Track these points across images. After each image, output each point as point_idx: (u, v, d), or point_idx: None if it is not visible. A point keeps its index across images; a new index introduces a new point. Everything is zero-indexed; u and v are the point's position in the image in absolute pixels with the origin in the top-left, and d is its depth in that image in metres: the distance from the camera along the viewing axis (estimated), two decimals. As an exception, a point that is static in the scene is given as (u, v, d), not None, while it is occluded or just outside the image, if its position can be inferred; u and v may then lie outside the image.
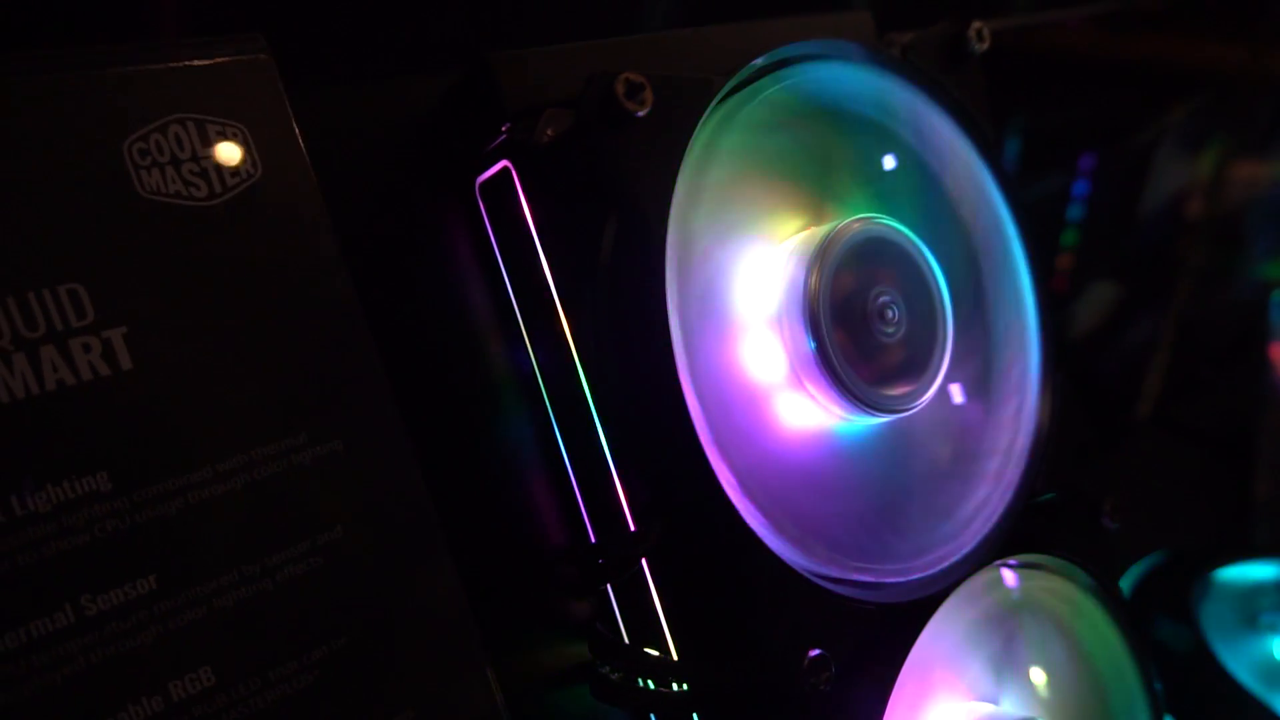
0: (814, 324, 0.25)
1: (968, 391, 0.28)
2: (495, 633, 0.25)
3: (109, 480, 0.20)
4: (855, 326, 0.25)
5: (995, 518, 0.27)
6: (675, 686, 0.24)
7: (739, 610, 0.22)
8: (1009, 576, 0.28)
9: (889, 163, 0.29)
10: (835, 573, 0.24)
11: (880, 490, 0.26)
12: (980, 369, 0.28)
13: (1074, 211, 0.58)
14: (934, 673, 0.27)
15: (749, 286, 0.26)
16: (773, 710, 0.22)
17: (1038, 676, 0.29)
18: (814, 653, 0.21)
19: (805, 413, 0.26)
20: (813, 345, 0.25)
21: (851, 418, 0.26)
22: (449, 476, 0.26)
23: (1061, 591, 0.29)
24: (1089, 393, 0.63)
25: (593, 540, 0.26)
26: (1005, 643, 0.28)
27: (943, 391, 0.28)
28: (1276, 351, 0.71)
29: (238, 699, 0.21)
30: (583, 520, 0.26)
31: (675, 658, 0.24)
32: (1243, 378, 0.71)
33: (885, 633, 0.24)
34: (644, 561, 0.24)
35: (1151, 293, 0.64)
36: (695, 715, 0.24)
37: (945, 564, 0.26)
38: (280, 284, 0.23)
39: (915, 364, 0.26)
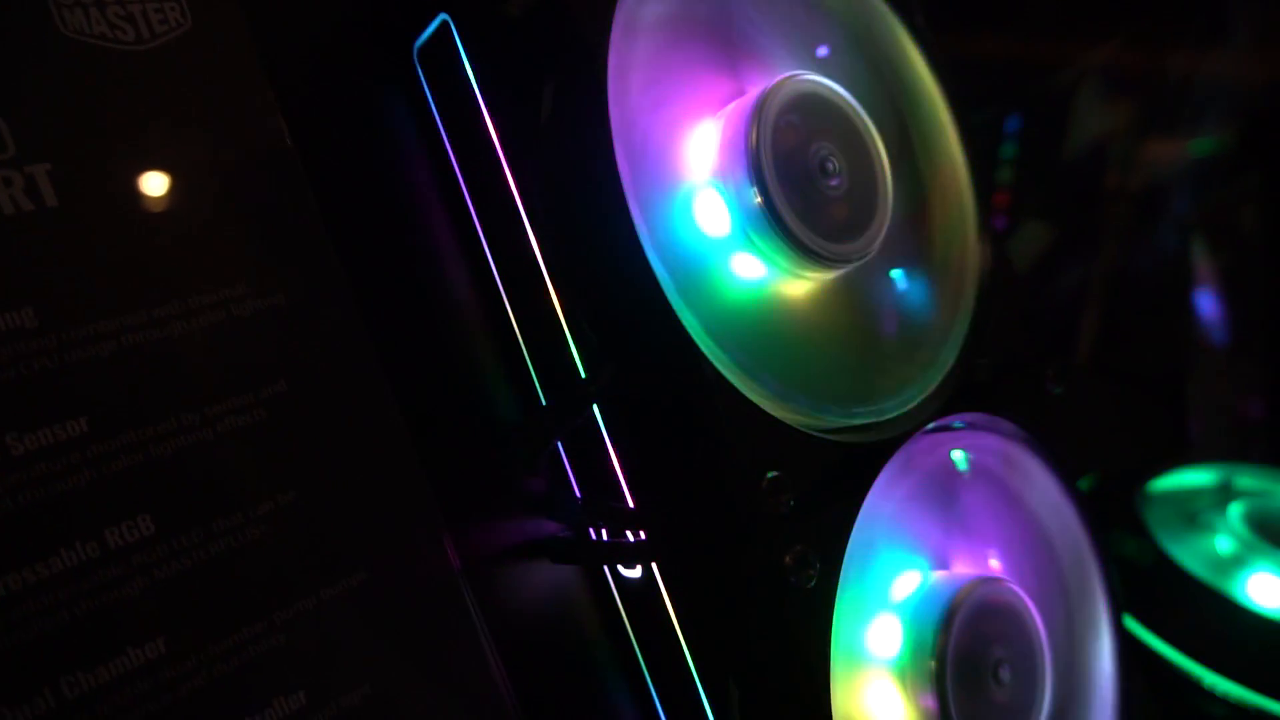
0: (760, 178, 0.25)
1: (907, 260, 0.28)
2: (453, 508, 0.25)
3: (35, 317, 0.19)
4: (799, 181, 0.25)
5: (940, 378, 0.28)
6: (632, 535, 0.23)
7: (693, 442, 0.22)
8: (955, 437, 0.28)
9: (822, 51, 0.29)
10: (789, 409, 0.24)
11: (830, 345, 0.26)
12: (917, 238, 0.29)
13: (1007, 149, 0.59)
14: (883, 535, 0.27)
15: (693, 148, 0.26)
16: (731, 549, 0.22)
17: (988, 539, 0.29)
18: (772, 474, 0.21)
19: (754, 270, 0.26)
20: (758, 199, 0.25)
21: (802, 274, 0.26)
22: (397, 351, 0.25)
23: (1010, 455, 0.29)
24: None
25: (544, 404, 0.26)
26: (953, 506, 0.29)
27: (888, 260, 0.28)
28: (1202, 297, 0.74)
29: (179, 549, 0.20)
30: (535, 389, 0.26)
31: (631, 506, 0.23)
32: (1173, 323, 0.73)
33: (842, 473, 0.24)
34: (596, 411, 0.23)
35: (1082, 235, 0.66)
36: (654, 565, 0.24)
37: (891, 415, 0.26)
38: (213, 135, 0.22)
39: (859, 216, 0.26)
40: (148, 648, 0.20)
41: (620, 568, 0.26)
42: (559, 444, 0.26)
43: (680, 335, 0.22)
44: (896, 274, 0.28)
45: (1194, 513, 0.45)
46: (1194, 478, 0.49)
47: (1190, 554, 0.42)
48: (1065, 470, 0.30)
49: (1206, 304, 0.76)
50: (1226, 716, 0.41)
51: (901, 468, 0.27)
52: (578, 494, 0.25)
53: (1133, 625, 0.41)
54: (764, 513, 0.21)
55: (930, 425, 0.27)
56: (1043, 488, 0.30)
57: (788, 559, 0.22)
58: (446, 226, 0.26)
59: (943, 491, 0.28)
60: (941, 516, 0.29)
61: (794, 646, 0.22)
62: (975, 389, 0.28)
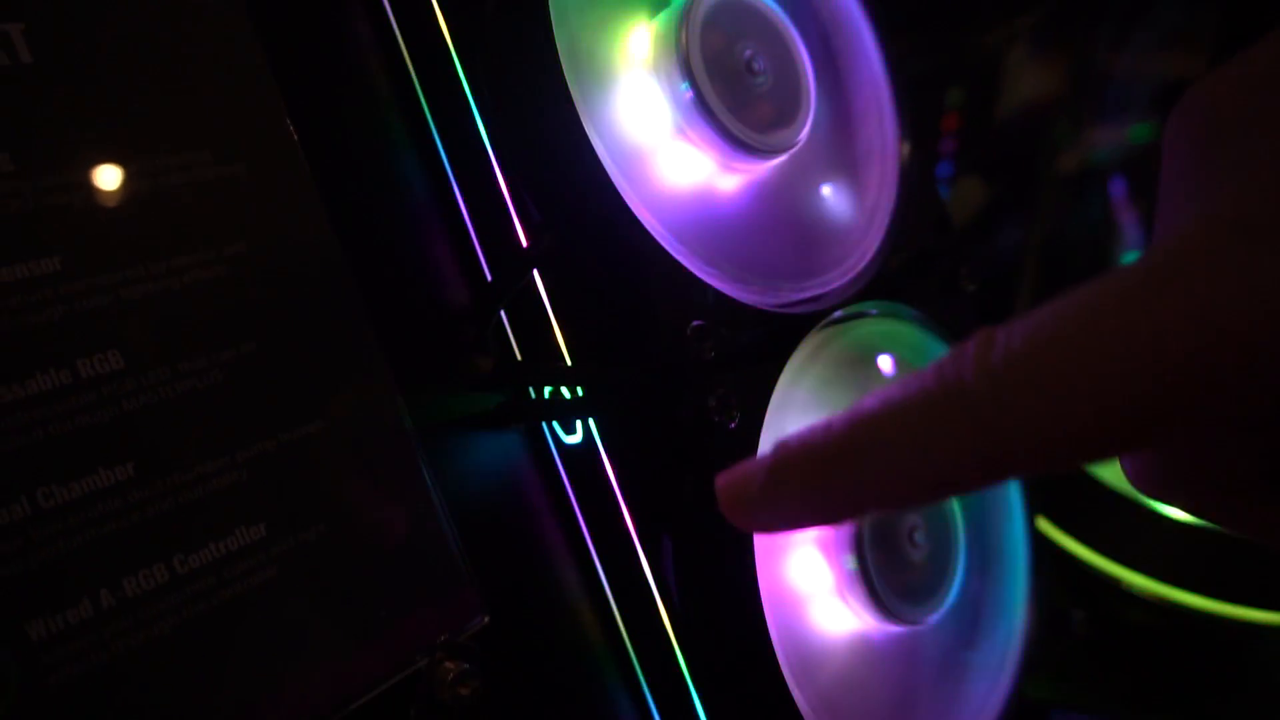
0: (689, 73, 0.27)
1: (831, 162, 0.31)
2: (403, 378, 0.27)
3: (11, 162, 0.21)
4: (728, 78, 0.28)
5: (860, 266, 0.30)
6: (569, 392, 0.25)
7: (624, 295, 0.24)
8: (872, 322, 0.30)
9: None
10: (714, 275, 0.26)
11: (756, 230, 0.28)
12: (841, 142, 0.31)
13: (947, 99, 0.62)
14: (801, 415, 0.29)
15: (630, 47, 0.28)
16: (658, 391, 0.24)
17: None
18: (696, 322, 0.23)
19: (691, 164, 0.28)
20: (689, 93, 0.27)
21: (732, 164, 0.28)
22: (350, 229, 0.27)
23: (920, 344, 0.32)
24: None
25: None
26: (868, 389, 0.31)
27: (813, 160, 0.31)
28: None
29: (146, 385, 0.22)
30: (481, 269, 0.28)
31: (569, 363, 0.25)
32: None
33: (763, 340, 0.26)
34: (538, 279, 0.25)
35: (1017, 196, 0.69)
36: (591, 419, 0.26)
37: (809, 294, 0.28)
38: (182, 13, 0.24)
39: (785, 112, 0.28)
40: (117, 470, 0.21)
41: (561, 434, 0.28)
42: (504, 319, 0.28)
43: (616, 200, 0.24)
44: (820, 173, 0.30)
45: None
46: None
47: (1109, 471, 0.45)
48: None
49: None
50: (1142, 619, 0.44)
51: (820, 346, 0.29)
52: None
53: (1060, 537, 0.44)
54: (689, 356, 0.23)
55: (847, 309, 0.29)
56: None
57: (712, 400, 0.24)
58: (400, 115, 0.28)
59: (858, 377, 0.31)
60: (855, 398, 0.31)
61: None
62: (891, 281, 0.31)
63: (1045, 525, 0.44)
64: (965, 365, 0.14)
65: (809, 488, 0.16)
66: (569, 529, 0.29)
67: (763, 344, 0.26)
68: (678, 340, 0.23)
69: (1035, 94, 0.67)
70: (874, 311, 0.30)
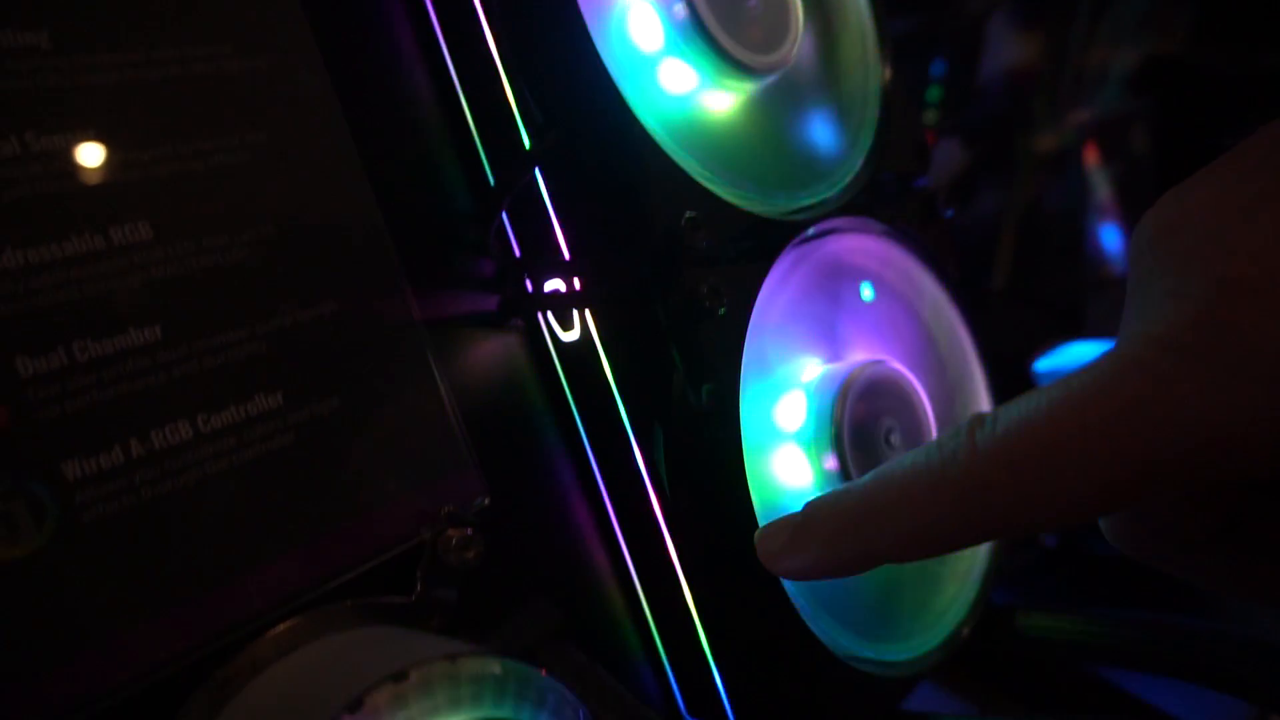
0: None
1: (818, 84, 0.33)
2: (411, 275, 0.28)
3: (49, 40, 0.22)
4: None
5: (843, 182, 0.32)
6: (566, 286, 0.27)
7: (621, 189, 0.25)
8: (853, 239, 0.32)
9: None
10: (708, 178, 0.27)
11: (748, 144, 0.30)
12: (827, 66, 0.33)
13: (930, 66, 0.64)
14: (787, 321, 0.31)
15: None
16: (652, 278, 0.26)
17: (881, 333, 0.33)
18: (690, 213, 0.25)
19: (687, 80, 0.29)
20: (684, 12, 0.29)
21: (725, 82, 0.30)
22: (365, 130, 0.28)
23: (897, 261, 0.33)
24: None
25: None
26: (848, 303, 0.33)
27: (802, 82, 0.32)
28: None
29: (173, 256, 0.23)
30: (486, 174, 0.29)
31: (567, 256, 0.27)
32: (1080, 254, 0.79)
33: (752, 243, 0.28)
34: (540, 177, 0.27)
35: (995, 161, 0.71)
36: (588, 311, 0.27)
37: (795, 205, 0.30)
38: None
39: (775, 33, 0.30)
40: (146, 331, 0.23)
41: (559, 331, 0.29)
42: (506, 222, 0.29)
43: (618, 101, 0.25)
44: (807, 93, 0.32)
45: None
46: (1084, 349, 0.54)
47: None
48: (948, 277, 0.34)
49: (1110, 239, 0.82)
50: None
51: (801, 258, 0.31)
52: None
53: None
54: (682, 244, 0.25)
55: (825, 225, 0.31)
56: (928, 292, 0.34)
57: (703, 288, 0.25)
58: (408, 23, 0.29)
59: (839, 290, 0.32)
60: (838, 312, 0.33)
61: (709, 367, 0.26)
62: (873, 201, 0.33)
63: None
64: (960, 444, 0.18)
65: (831, 538, 0.20)
66: (565, 423, 0.30)
67: (751, 245, 0.28)
68: (672, 230, 0.25)
69: (1015, 63, 0.69)
70: (850, 227, 0.32)
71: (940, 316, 0.34)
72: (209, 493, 0.23)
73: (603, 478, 0.31)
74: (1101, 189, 0.76)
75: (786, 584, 0.29)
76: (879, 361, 0.32)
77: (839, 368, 0.32)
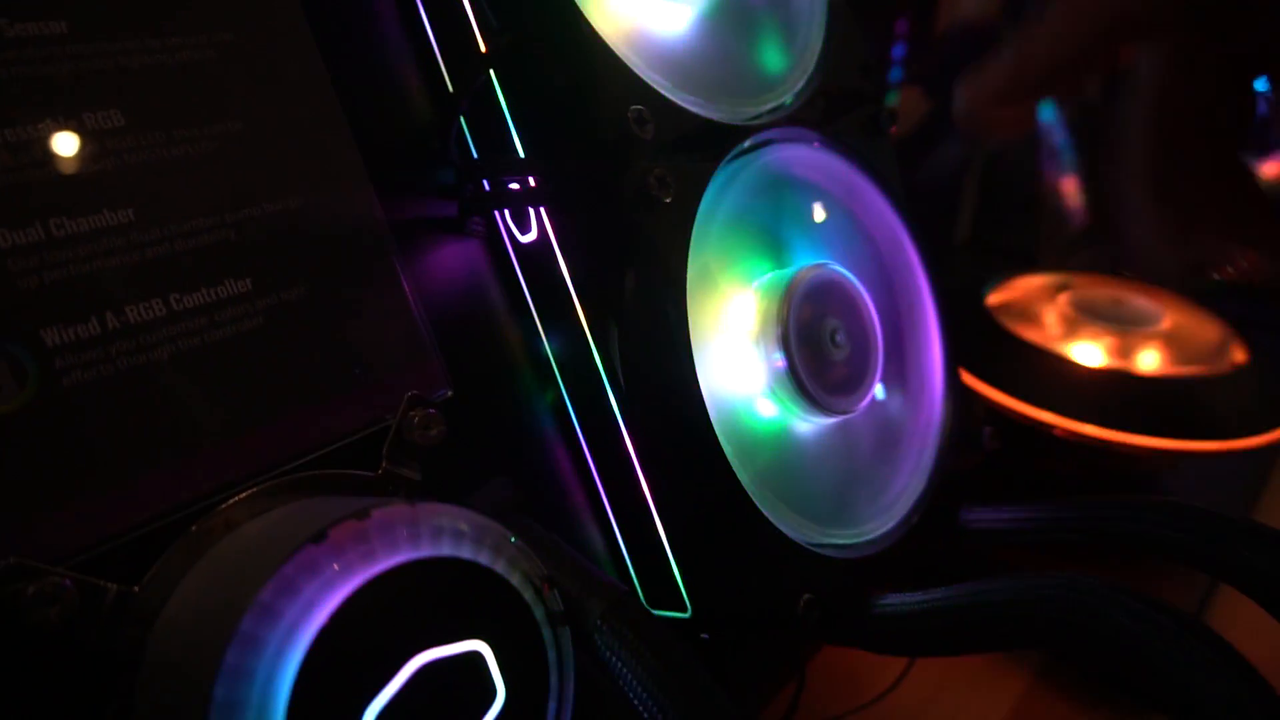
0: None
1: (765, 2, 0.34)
2: (374, 185, 0.29)
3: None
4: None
5: (793, 93, 0.33)
6: (521, 185, 0.28)
7: (571, 85, 0.27)
8: (797, 149, 0.34)
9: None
10: (653, 82, 0.29)
11: (698, 52, 0.32)
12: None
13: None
14: (734, 225, 0.33)
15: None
16: (602, 168, 0.27)
17: (827, 240, 0.35)
18: (636, 107, 0.27)
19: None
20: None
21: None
22: (327, 38, 0.29)
23: (845, 179, 0.35)
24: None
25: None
26: (794, 211, 0.34)
27: None
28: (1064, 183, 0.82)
29: (144, 144, 0.25)
30: (445, 84, 0.31)
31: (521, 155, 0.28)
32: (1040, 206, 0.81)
33: (699, 142, 0.29)
34: (495, 79, 0.28)
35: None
36: (543, 209, 0.29)
37: (749, 113, 0.32)
38: None
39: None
40: (119, 213, 0.24)
41: (517, 234, 0.31)
42: (465, 129, 0.30)
43: (568, 3, 0.27)
44: (758, 11, 0.34)
45: (1032, 303, 0.52)
46: (1037, 278, 0.56)
47: (1031, 328, 0.50)
48: (891, 190, 0.36)
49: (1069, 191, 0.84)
50: (1071, 472, 0.48)
51: (747, 164, 0.32)
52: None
53: (989, 390, 0.48)
54: (630, 134, 0.27)
55: (771, 134, 0.32)
56: (874, 206, 0.36)
57: (650, 178, 0.27)
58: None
59: (785, 200, 0.34)
60: (786, 222, 0.34)
61: (657, 258, 0.28)
62: (820, 116, 0.34)
63: (969, 378, 0.47)
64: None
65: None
66: (526, 325, 0.32)
67: (700, 146, 0.29)
68: (618, 121, 0.26)
69: (975, 13, 0.71)
70: (793, 137, 0.34)
71: (884, 228, 0.36)
72: (183, 367, 0.24)
73: (561, 376, 0.32)
74: (1058, 135, 0.78)
75: (742, 477, 0.31)
76: (823, 264, 0.33)
77: (786, 271, 0.33)
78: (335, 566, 0.20)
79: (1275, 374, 0.48)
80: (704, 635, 0.31)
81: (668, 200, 0.27)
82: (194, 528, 0.23)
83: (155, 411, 0.24)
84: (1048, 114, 0.80)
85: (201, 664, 0.19)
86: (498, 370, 0.32)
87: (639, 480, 0.31)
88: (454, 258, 0.31)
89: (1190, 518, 0.27)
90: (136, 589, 0.22)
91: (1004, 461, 0.38)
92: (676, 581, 0.32)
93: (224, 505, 0.24)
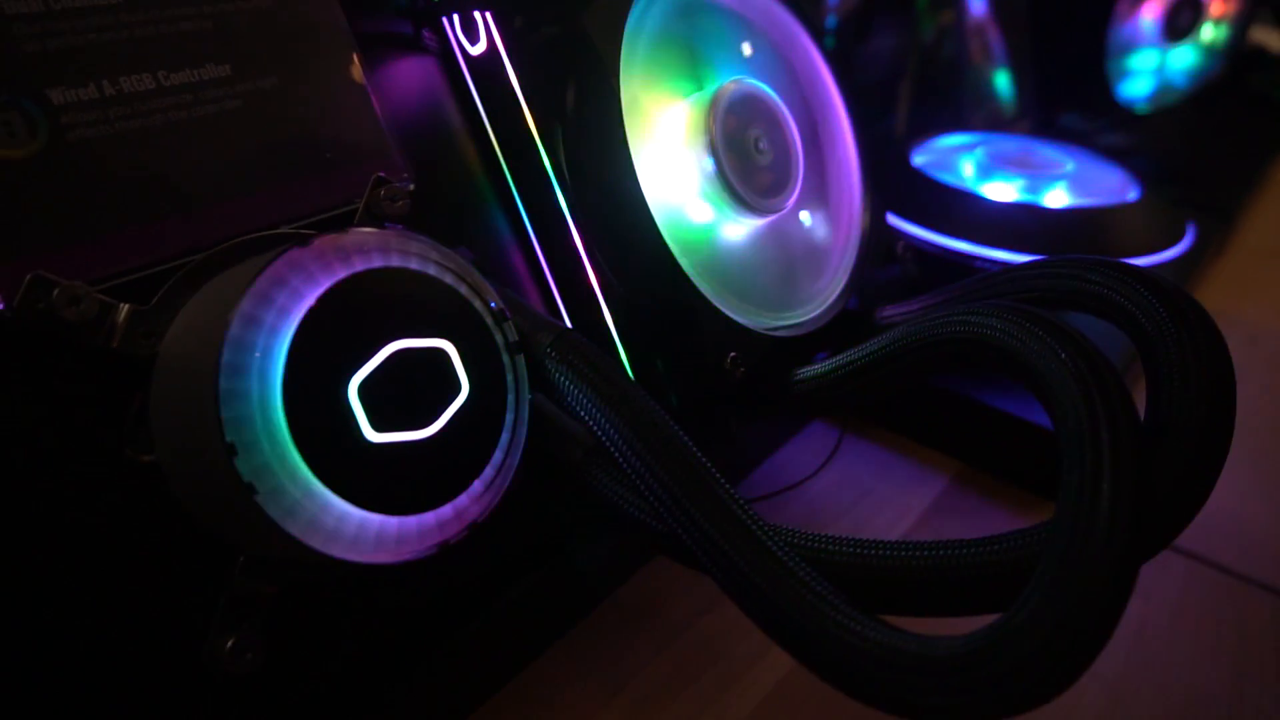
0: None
1: None
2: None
3: None
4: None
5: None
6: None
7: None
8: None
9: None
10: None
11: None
12: None
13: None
14: (665, 47, 0.36)
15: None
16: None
17: (748, 64, 0.39)
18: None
19: None
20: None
21: None
22: None
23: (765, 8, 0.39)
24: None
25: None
26: (715, 42, 0.38)
27: None
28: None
29: None
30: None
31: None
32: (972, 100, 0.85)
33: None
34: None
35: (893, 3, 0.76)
36: (489, 16, 0.32)
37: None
38: None
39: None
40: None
41: (467, 45, 0.34)
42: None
43: None
44: None
45: (954, 154, 0.56)
46: (956, 139, 0.60)
47: (950, 175, 0.54)
48: (807, 20, 0.40)
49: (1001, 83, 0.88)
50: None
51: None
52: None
53: (915, 229, 0.52)
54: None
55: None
56: (788, 30, 0.40)
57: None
58: None
59: (699, 20, 0.38)
60: (706, 41, 0.38)
61: (594, 58, 0.31)
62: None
63: (896, 221, 0.52)
64: None
65: None
66: (479, 135, 0.35)
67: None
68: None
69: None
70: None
71: (801, 56, 0.40)
72: (173, 134, 0.27)
73: (514, 180, 0.36)
74: (991, 32, 0.82)
75: (687, 269, 0.35)
76: (741, 79, 0.37)
77: (710, 86, 0.37)
78: (317, 265, 0.23)
79: (1162, 210, 0.53)
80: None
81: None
82: (192, 264, 0.27)
83: (150, 170, 0.27)
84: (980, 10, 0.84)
85: (210, 338, 0.22)
86: (455, 177, 0.36)
87: (585, 270, 0.35)
88: (412, 74, 0.34)
89: (1103, 268, 0.30)
90: (145, 308, 0.25)
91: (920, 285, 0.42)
92: (621, 360, 0.36)
93: (216, 252, 0.27)
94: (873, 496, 0.46)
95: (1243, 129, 0.96)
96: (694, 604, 0.39)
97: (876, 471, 0.47)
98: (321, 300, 0.23)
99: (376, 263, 0.24)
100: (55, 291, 0.23)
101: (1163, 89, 0.86)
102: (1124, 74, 0.82)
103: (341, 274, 0.24)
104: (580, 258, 0.35)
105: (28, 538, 0.24)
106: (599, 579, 0.39)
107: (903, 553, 0.25)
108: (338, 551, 0.23)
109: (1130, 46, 0.81)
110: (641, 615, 0.39)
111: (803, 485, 0.46)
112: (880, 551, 0.25)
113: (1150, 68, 0.83)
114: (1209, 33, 0.87)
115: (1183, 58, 0.86)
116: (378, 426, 0.23)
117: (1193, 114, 0.91)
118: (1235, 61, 0.97)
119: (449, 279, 0.26)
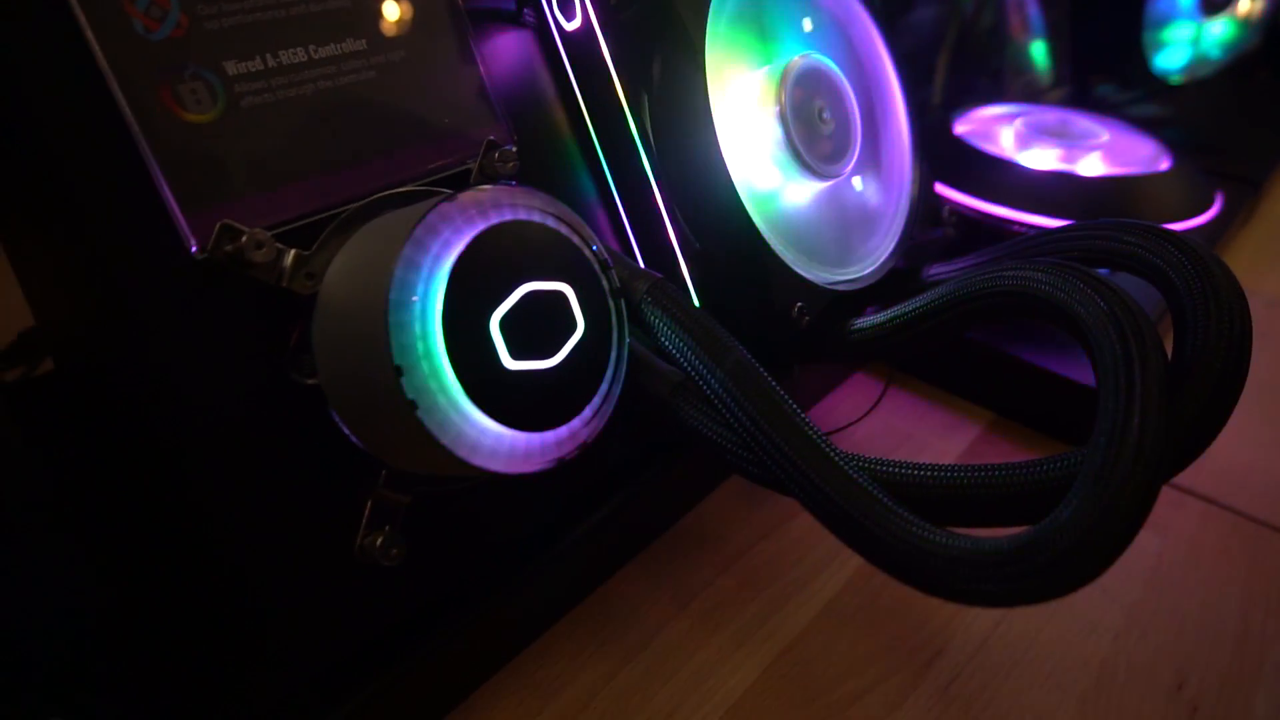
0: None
1: None
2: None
3: None
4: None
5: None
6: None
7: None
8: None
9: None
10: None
11: None
12: None
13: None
14: (742, 28, 0.40)
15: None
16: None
17: (814, 40, 0.42)
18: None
19: None
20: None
21: None
22: None
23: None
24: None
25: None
26: (781, 17, 0.41)
27: None
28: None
29: (282, -74, 0.31)
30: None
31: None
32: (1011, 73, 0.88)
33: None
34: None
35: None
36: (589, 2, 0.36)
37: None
38: None
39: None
40: (269, -22, 0.31)
41: (563, 21, 0.38)
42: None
43: None
44: None
45: (994, 123, 0.60)
46: (997, 109, 0.63)
47: (990, 144, 0.57)
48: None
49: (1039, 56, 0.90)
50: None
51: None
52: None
53: (957, 195, 0.56)
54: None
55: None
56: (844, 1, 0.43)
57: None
58: None
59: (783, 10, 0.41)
60: (777, 21, 0.41)
61: (683, 37, 0.35)
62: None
63: (940, 188, 0.55)
64: None
65: None
66: (570, 103, 0.39)
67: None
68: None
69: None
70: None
71: (861, 33, 0.43)
72: (322, 100, 0.31)
73: (600, 144, 0.39)
74: (1028, 4, 0.84)
75: (764, 229, 0.38)
76: (809, 54, 0.41)
77: (781, 60, 0.41)
78: (462, 218, 0.27)
79: (1192, 180, 0.55)
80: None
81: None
82: (344, 216, 0.31)
83: (305, 132, 0.31)
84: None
85: (377, 279, 0.26)
86: (547, 141, 0.39)
87: (665, 227, 0.39)
88: (511, 47, 0.38)
89: (1137, 229, 0.34)
90: (307, 253, 0.29)
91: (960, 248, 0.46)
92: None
93: (361, 205, 0.31)
94: (913, 441, 0.50)
95: (1275, 100, 0.98)
96: (752, 531, 0.43)
97: (915, 419, 0.51)
98: (469, 247, 0.27)
99: (508, 216, 0.28)
100: (244, 237, 0.28)
101: (1198, 60, 0.88)
102: (1159, 45, 0.84)
103: (481, 225, 0.28)
104: (661, 215, 0.39)
105: (209, 447, 0.28)
106: (668, 506, 0.43)
107: (956, 473, 0.29)
108: (479, 461, 0.27)
109: (1167, 19, 0.83)
110: (705, 540, 0.43)
111: (848, 429, 0.50)
112: (936, 473, 0.29)
113: (1186, 39, 0.85)
114: (1246, 5, 0.88)
115: (1219, 30, 0.87)
116: (514, 355, 0.28)
117: (1226, 85, 0.93)
118: (1271, 33, 0.99)
119: (565, 230, 0.30)
